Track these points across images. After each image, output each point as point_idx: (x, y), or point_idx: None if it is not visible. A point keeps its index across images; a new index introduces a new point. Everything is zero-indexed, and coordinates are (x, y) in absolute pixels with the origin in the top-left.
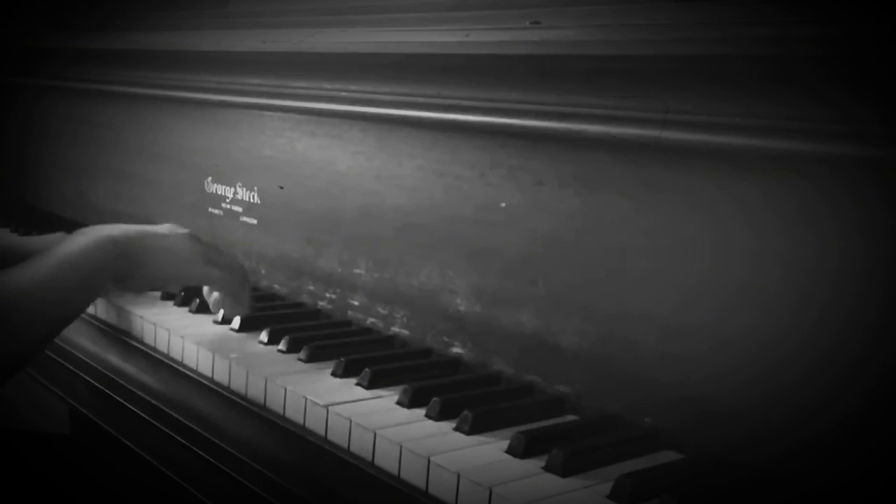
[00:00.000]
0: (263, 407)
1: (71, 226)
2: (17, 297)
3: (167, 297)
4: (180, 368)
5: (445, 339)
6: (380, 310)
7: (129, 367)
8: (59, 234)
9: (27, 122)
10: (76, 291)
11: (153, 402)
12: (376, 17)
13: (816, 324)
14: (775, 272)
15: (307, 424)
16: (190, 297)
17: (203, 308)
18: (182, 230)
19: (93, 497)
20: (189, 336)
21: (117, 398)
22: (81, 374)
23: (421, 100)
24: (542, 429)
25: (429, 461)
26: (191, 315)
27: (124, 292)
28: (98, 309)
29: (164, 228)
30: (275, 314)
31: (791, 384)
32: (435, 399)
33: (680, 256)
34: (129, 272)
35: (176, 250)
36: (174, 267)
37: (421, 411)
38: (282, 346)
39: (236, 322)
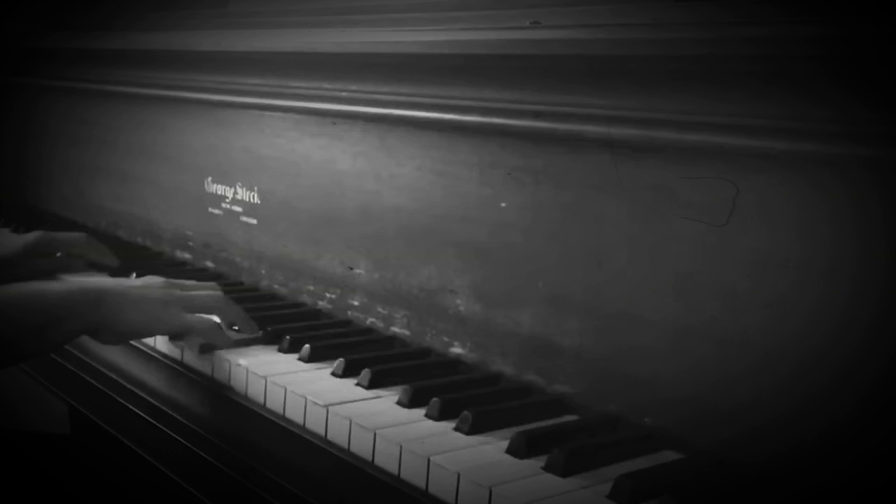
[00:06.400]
0: (263, 407)
1: (68, 225)
2: None
3: None
4: (179, 368)
5: (445, 339)
6: (380, 310)
7: (131, 368)
8: (36, 233)
9: (27, 122)
10: (46, 323)
11: (153, 401)
12: (376, 17)
13: (815, 323)
14: (774, 272)
15: (307, 425)
16: None
17: None
18: (158, 280)
19: (94, 496)
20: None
21: (117, 398)
22: (81, 374)
23: (421, 100)
24: (542, 429)
25: (429, 461)
26: None
27: (101, 343)
28: None
29: (139, 281)
30: (275, 314)
31: (790, 382)
32: (435, 399)
33: (680, 256)
34: (101, 323)
35: (149, 300)
36: (148, 318)
37: (421, 411)
38: (282, 346)
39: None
